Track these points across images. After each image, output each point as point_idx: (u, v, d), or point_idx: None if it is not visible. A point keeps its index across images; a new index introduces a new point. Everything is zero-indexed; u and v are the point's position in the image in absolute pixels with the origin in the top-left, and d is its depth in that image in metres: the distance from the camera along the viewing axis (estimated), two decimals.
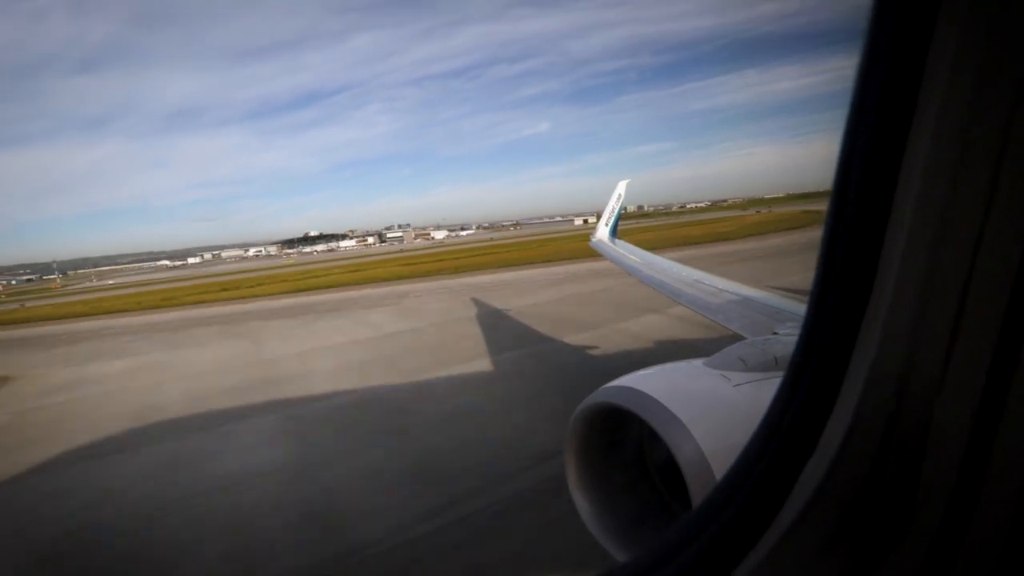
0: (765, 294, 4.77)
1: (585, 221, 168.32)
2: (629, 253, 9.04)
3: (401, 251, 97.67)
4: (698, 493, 1.74)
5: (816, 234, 0.82)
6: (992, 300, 0.67)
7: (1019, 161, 0.63)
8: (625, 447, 2.28)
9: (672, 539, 1.02)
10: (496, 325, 18.35)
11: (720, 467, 1.72)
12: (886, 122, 0.71)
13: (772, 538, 0.87)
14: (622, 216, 11.63)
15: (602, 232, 11.27)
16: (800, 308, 4.07)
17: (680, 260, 7.91)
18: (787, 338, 2.72)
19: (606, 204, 11.84)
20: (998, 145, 0.63)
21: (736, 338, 3.17)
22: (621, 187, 11.95)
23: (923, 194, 0.69)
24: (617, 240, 10.93)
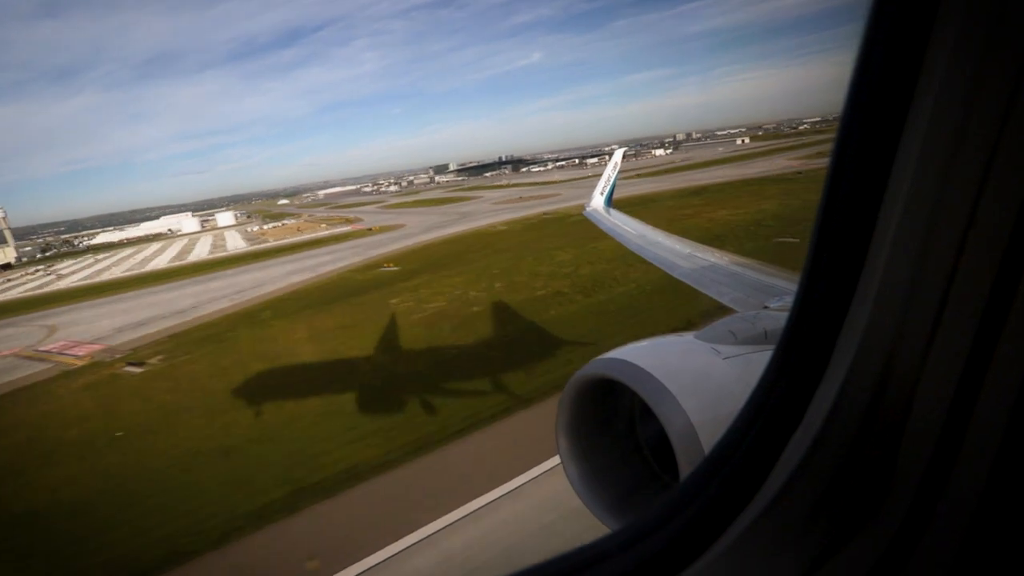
0: (757, 270, 4.78)
1: (743, 141, 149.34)
2: (623, 224, 8.89)
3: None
4: (687, 464, 1.78)
5: None
6: (975, 293, 0.69)
7: (1010, 157, 0.64)
8: (617, 418, 2.30)
9: (660, 509, 1.06)
10: None
11: (708, 439, 1.75)
12: (883, 107, 0.72)
13: (755, 510, 0.91)
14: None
15: (597, 201, 10.60)
16: (791, 284, 4.09)
17: None
18: (777, 313, 2.74)
19: (604, 160, 11.28)
20: (992, 141, 0.65)
21: (727, 311, 3.19)
22: (618, 155, 11.52)
23: (915, 184, 0.70)
24: (612, 210, 10.45)
